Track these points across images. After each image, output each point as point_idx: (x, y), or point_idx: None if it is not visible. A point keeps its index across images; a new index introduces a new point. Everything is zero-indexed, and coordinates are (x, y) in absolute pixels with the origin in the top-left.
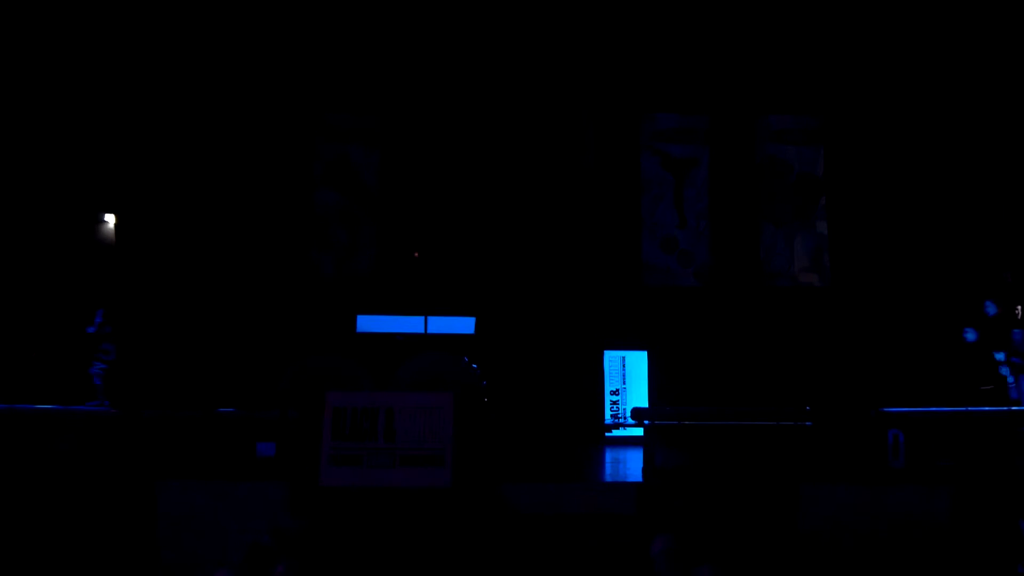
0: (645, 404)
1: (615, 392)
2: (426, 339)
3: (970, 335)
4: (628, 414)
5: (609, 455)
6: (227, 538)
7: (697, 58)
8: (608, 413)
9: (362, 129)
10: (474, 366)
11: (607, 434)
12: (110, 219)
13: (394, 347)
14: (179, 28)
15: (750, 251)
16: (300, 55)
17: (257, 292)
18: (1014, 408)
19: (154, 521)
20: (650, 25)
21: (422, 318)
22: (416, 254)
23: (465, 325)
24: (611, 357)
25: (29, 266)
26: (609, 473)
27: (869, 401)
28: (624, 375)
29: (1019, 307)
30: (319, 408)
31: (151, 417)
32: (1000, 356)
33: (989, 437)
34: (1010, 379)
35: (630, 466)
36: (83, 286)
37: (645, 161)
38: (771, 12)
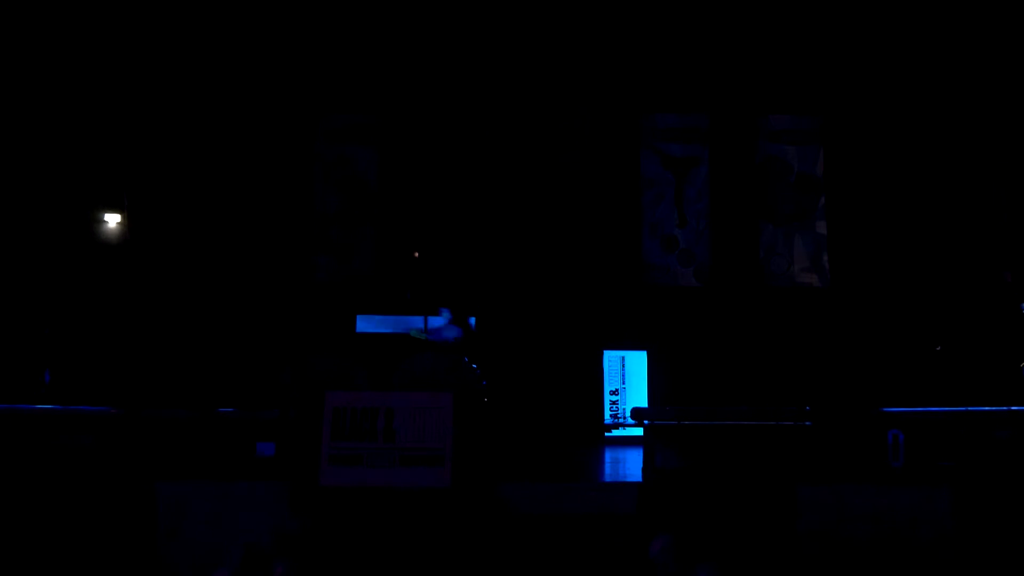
0: (645, 404)
1: (615, 392)
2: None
3: None
4: (628, 414)
5: (609, 455)
6: (227, 538)
7: (697, 58)
8: (608, 413)
9: (361, 129)
10: (474, 366)
11: (607, 434)
12: (109, 218)
13: (394, 347)
14: (174, 26)
15: (750, 251)
16: (299, 55)
17: (256, 291)
18: (1014, 408)
19: (154, 521)
20: (650, 24)
21: (422, 318)
22: (416, 254)
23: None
24: (611, 357)
25: (27, 266)
26: (609, 473)
27: (869, 401)
28: (624, 375)
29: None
30: (319, 408)
31: (151, 417)
32: None
33: (990, 437)
34: None
35: (630, 466)
36: (82, 286)
37: (645, 160)
38: (771, 12)
